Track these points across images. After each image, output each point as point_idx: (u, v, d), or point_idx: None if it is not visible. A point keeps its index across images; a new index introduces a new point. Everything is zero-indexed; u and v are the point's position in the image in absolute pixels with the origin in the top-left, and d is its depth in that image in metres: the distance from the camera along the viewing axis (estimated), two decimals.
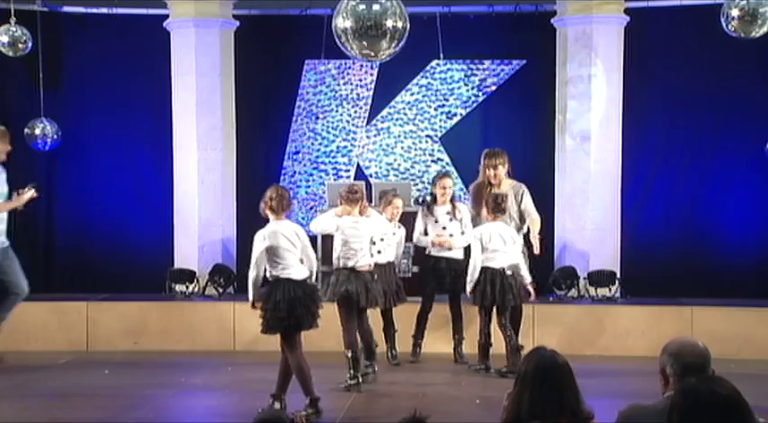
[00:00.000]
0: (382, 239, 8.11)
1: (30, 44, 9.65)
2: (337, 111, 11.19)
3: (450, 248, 8.42)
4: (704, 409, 2.84)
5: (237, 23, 10.45)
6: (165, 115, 10.37)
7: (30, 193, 8.35)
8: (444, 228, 8.45)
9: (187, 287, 9.92)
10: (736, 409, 2.86)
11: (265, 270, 6.70)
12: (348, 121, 11.18)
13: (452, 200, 8.55)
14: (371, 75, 11.08)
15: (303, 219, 11.24)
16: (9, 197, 8.44)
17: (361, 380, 7.33)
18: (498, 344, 8.01)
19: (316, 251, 9.49)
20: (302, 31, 10.74)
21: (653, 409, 3.47)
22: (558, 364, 3.61)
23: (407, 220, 8.55)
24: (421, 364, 8.49)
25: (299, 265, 6.66)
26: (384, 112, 11.14)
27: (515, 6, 10.63)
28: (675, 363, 3.52)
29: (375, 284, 7.55)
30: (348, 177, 11.00)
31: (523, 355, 4.35)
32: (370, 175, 10.97)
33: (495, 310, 7.94)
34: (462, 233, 8.42)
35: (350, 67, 11.06)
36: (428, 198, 8.78)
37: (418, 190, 10.42)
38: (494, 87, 11.00)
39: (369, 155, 11.15)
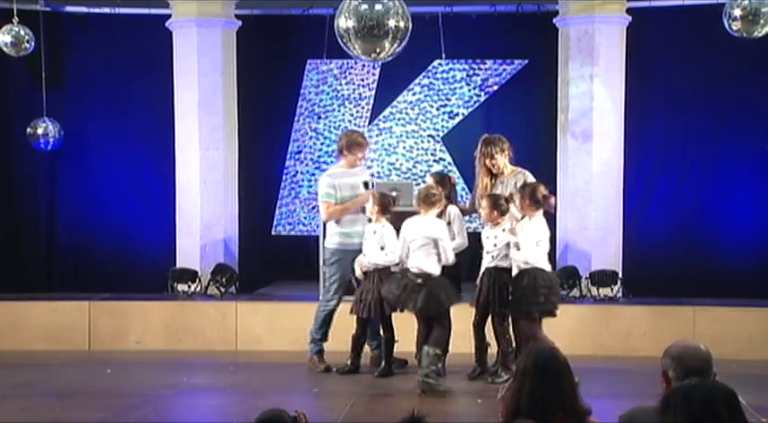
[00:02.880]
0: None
1: (32, 44, 9.67)
2: (339, 110, 11.20)
3: None
4: (698, 405, 2.84)
5: (240, 23, 10.45)
6: (167, 115, 10.37)
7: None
8: None
9: (189, 287, 9.91)
10: (729, 403, 2.86)
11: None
12: (350, 121, 11.19)
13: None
14: (373, 74, 11.09)
15: (305, 218, 11.27)
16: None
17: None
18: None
19: (318, 251, 9.56)
20: (304, 30, 10.75)
21: (656, 409, 3.46)
22: (558, 359, 3.62)
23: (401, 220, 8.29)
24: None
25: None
26: (386, 112, 11.15)
27: (517, 6, 10.63)
28: (678, 366, 3.52)
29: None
30: None
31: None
32: (372, 175, 10.96)
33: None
34: (452, 238, 7.84)
35: (352, 67, 11.07)
36: None
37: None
38: (496, 87, 11.00)
39: (371, 154, 11.13)
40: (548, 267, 7.38)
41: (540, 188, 7.33)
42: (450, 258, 7.48)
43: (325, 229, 8.58)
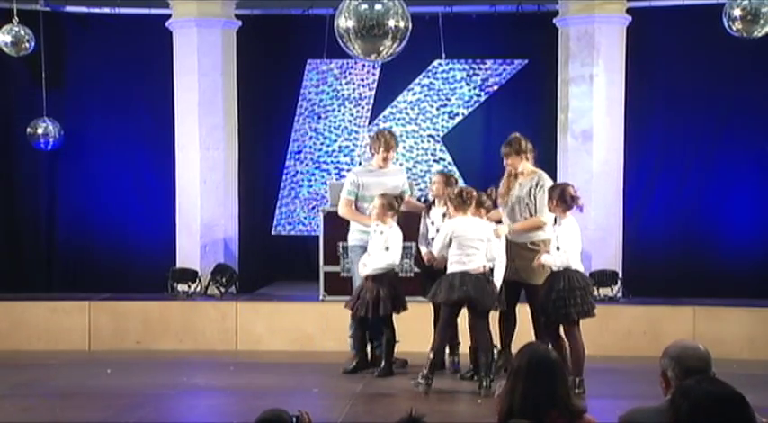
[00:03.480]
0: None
1: (32, 44, 9.68)
2: (339, 110, 11.21)
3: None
4: (708, 409, 2.84)
5: (240, 23, 10.45)
6: (167, 115, 10.37)
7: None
8: (438, 230, 7.84)
9: (189, 287, 9.92)
10: (738, 407, 2.86)
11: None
12: (350, 121, 11.19)
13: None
14: (373, 74, 11.10)
15: (305, 218, 11.27)
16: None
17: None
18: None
19: (318, 251, 9.57)
20: (304, 30, 10.75)
21: (655, 409, 3.47)
22: (551, 358, 3.63)
23: (405, 219, 8.21)
24: (420, 365, 8.38)
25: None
26: (386, 112, 11.16)
27: (517, 6, 10.63)
28: (677, 366, 3.52)
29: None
30: None
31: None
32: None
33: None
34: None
35: (352, 67, 11.08)
36: (428, 198, 8.67)
37: (420, 190, 10.41)
38: (496, 87, 11.00)
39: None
40: (581, 268, 7.34)
41: (569, 189, 7.26)
42: (496, 256, 7.44)
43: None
